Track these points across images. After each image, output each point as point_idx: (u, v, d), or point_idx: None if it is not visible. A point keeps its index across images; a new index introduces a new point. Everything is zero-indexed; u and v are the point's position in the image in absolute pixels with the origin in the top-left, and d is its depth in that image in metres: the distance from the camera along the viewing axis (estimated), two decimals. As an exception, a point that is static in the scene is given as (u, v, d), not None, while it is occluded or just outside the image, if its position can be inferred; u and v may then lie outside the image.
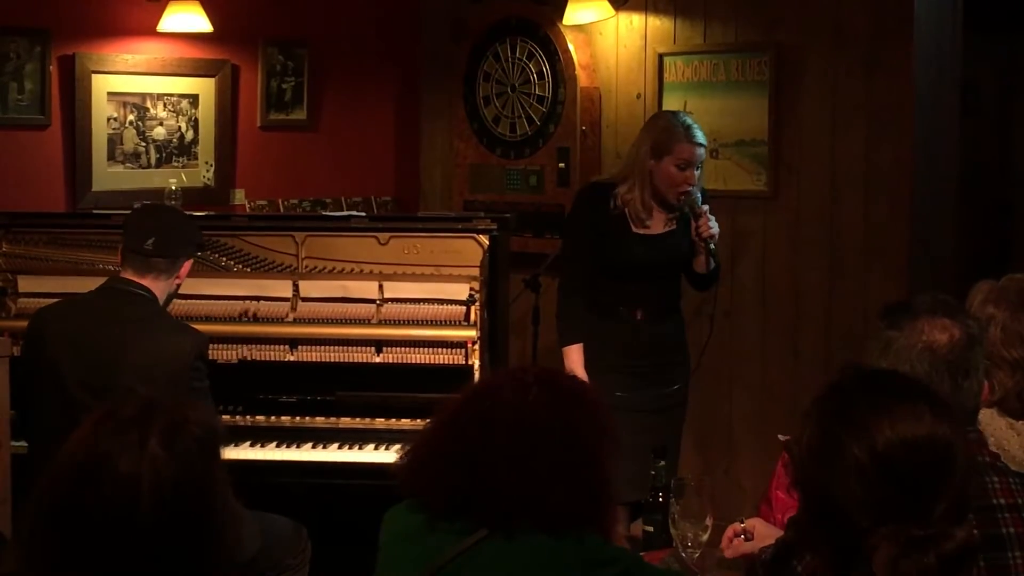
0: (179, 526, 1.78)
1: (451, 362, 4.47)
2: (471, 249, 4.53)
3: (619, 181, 4.60)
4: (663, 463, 3.31)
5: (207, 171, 6.02)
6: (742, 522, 2.92)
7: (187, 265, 3.99)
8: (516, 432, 2.22)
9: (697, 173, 4.52)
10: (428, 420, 2.35)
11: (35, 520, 1.83)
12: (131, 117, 5.74)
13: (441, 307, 4.53)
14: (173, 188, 5.66)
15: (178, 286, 4.01)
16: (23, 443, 3.98)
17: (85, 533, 1.76)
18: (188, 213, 4.44)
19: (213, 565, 1.82)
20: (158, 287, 3.89)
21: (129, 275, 3.87)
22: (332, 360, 4.51)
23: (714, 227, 4.48)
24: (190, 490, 1.79)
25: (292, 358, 4.52)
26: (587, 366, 4.52)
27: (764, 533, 2.84)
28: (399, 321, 4.53)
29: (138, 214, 4.08)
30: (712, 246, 4.50)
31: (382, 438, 4.41)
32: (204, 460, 1.83)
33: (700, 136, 4.53)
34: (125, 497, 1.75)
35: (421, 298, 4.53)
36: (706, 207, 4.51)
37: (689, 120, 4.61)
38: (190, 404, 1.90)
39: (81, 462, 1.79)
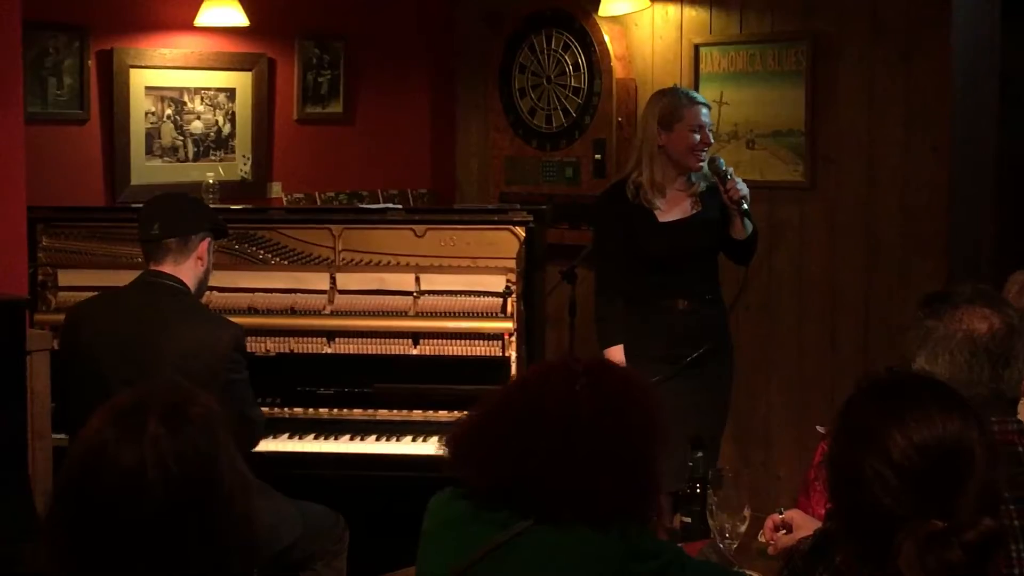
0: (188, 500, 1.80)
1: (488, 354, 4.49)
2: (507, 241, 4.54)
3: (631, 171, 4.62)
4: (700, 454, 3.30)
5: (244, 164, 6.04)
6: (781, 513, 2.92)
7: (204, 244, 3.88)
8: (563, 423, 2.20)
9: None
10: (476, 408, 2.33)
11: (51, 515, 1.86)
12: (169, 111, 5.76)
13: (478, 299, 4.54)
14: (211, 182, 5.67)
15: (206, 272, 3.93)
16: (64, 436, 4.00)
17: (97, 524, 1.79)
18: (195, 197, 4.39)
19: (225, 536, 1.83)
20: (184, 273, 3.83)
21: (153, 266, 3.85)
22: (369, 352, 4.54)
23: (742, 188, 4.44)
24: (194, 461, 1.81)
25: (330, 350, 4.55)
26: (630, 359, 4.48)
27: (803, 524, 2.84)
28: (436, 313, 4.54)
29: (145, 207, 4.02)
30: (745, 206, 4.44)
31: (419, 430, 4.43)
32: (206, 434, 1.84)
33: (702, 97, 4.68)
34: (131, 485, 1.78)
35: (458, 290, 4.55)
36: (730, 169, 4.49)
37: (687, 89, 4.79)
38: (189, 389, 1.92)
39: (84, 457, 1.83)
